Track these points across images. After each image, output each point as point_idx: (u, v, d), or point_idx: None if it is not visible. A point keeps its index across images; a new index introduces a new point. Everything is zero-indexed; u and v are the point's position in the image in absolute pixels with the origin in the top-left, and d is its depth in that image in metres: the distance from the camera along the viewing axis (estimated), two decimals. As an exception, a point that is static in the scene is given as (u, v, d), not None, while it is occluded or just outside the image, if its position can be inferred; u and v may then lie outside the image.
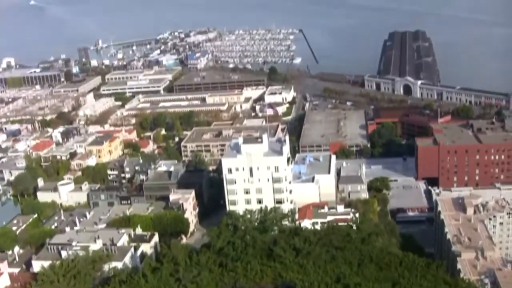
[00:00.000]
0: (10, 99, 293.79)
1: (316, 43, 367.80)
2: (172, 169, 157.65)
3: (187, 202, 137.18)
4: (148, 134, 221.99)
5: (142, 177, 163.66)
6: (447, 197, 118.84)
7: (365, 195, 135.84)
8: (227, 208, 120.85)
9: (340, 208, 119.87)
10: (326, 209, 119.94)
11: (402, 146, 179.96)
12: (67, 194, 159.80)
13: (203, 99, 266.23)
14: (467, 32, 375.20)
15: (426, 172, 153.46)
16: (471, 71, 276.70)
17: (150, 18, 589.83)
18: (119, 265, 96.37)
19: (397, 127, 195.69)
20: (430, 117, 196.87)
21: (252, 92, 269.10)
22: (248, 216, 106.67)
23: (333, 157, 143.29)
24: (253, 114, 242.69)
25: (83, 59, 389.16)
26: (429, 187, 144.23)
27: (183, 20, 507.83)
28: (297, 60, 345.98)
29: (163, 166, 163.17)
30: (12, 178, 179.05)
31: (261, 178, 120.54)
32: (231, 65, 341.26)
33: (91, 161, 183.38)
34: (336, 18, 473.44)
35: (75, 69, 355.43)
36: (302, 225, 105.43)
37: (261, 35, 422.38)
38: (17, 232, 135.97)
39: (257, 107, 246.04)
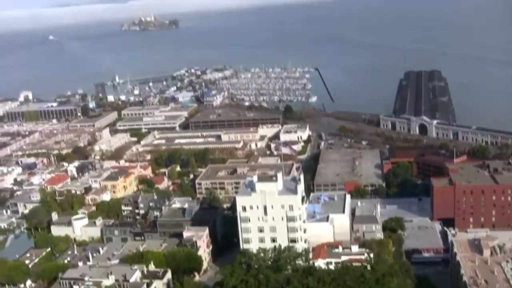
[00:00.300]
0: (26, 133, 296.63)
1: (331, 82, 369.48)
2: (186, 206, 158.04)
3: (201, 239, 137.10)
4: (163, 170, 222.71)
5: (156, 213, 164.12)
6: (463, 238, 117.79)
7: (379, 235, 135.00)
8: (241, 246, 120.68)
9: (355, 248, 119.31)
10: (340, 249, 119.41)
11: (417, 186, 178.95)
12: (81, 228, 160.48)
13: (219, 137, 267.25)
14: (482, 71, 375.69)
15: (441, 213, 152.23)
16: (487, 110, 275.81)
17: (167, 55, 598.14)
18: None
19: (413, 167, 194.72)
20: (446, 157, 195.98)
21: (267, 130, 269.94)
22: (262, 254, 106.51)
23: (348, 196, 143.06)
24: (268, 152, 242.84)
25: (100, 95, 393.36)
26: (445, 228, 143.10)
27: (200, 58, 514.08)
28: (313, 99, 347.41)
29: (177, 203, 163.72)
30: (26, 211, 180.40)
31: (275, 217, 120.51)
32: (246, 103, 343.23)
33: (106, 196, 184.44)
34: (352, 57, 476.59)
35: (91, 104, 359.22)
36: (316, 264, 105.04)
37: (277, 74, 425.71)
38: (30, 266, 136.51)
39: (272, 145, 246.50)
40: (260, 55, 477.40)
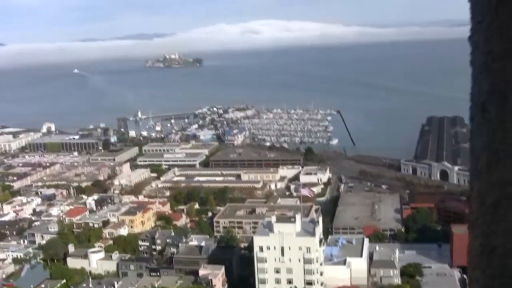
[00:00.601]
0: (48, 164, 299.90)
1: (353, 125, 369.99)
2: (203, 244, 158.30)
3: (217, 278, 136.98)
4: (181, 207, 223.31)
5: (173, 250, 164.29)
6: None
7: (397, 280, 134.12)
8: (257, 287, 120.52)
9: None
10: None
11: (437, 232, 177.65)
12: (97, 262, 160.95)
13: (238, 176, 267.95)
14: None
15: (461, 260, 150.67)
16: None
17: (190, 93, 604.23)
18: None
19: (433, 213, 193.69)
20: (467, 203, 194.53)
21: (287, 171, 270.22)
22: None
23: (366, 240, 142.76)
24: (287, 193, 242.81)
25: (122, 129, 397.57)
26: (464, 276, 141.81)
27: (223, 96, 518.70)
28: (334, 141, 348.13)
29: (194, 241, 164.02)
30: (43, 242, 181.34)
31: (292, 258, 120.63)
32: (267, 143, 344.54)
33: (123, 231, 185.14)
34: (375, 100, 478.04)
35: (113, 139, 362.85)
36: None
37: (299, 115, 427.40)
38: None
39: (292, 187, 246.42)
40: (283, 96, 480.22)
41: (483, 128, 2.88)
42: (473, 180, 3.06)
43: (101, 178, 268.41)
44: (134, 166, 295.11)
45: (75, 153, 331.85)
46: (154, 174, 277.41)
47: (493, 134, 2.84)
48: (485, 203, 2.87)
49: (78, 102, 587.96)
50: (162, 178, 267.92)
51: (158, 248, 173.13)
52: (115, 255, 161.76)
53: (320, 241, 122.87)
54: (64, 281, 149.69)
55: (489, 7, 2.84)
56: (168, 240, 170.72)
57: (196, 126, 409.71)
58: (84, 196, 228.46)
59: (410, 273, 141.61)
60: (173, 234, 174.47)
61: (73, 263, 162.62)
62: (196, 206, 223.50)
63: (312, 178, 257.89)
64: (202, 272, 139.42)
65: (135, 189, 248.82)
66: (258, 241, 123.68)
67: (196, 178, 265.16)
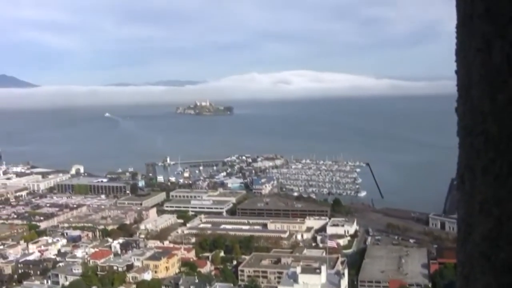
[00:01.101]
0: (75, 205, 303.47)
1: (382, 178, 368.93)
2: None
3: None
4: (206, 254, 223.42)
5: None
6: None
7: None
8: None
9: None
10: None
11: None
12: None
13: (265, 225, 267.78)
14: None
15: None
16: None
17: (219, 140, 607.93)
18: None
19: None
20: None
21: (314, 222, 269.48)
22: None
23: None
24: (313, 244, 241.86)
25: (150, 174, 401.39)
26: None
27: (252, 145, 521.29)
28: (362, 194, 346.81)
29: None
30: (66, 283, 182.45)
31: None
32: (295, 194, 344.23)
33: (147, 276, 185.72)
34: (404, 153, 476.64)
35: (141, 183, 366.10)
36: None
37: (327, 166, 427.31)
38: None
39: (318, 238, 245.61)
40: (312, 147, 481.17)
41: (461, 200, 2.97)
42: (457, 249, 3.17)
43: (127, 222, 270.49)
44: (160, 211, 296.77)
45: (103, 196, 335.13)
46: (181, 220, 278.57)
47: (469, 207, 2.95)
48: (462, 271, 2.99)
49: (108, 145, 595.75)
50: (188, 225, 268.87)
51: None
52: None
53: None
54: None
55: (465, 86, 3.03)
56: (192, 287, 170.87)
57: (224, 173, 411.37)
58: (110, 239, 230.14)
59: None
60: (197, 281, 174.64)
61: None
62: (221, 253, 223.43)
63: (339, 230, 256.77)
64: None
65: (161, 234, 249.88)
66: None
67: (223, 226, 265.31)
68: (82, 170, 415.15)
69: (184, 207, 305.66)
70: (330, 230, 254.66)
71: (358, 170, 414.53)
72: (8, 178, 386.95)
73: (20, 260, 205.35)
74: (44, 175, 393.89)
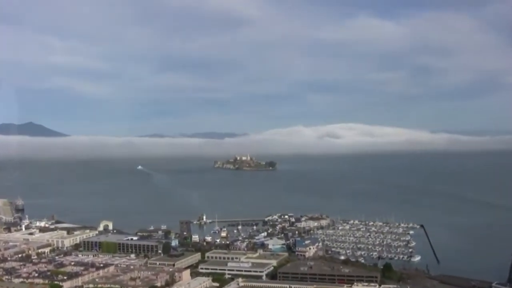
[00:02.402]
0: (101, 264, 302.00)
1: (438, 241, 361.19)
2: None
3: None
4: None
5: None
6: None
7: None
8: None
9: None
10: None
11: None
12: None
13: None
14: None
15: None
16: None
17: (260, 198, 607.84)
18: None
19: None
20: None
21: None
22: None
23: None
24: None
25: (184, 233, 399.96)
26: None
27: (295, 204, 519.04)
28: (416, 258, 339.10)
29: None
30: None
31: None
32: (342, 257, 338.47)
33: None
34: (463, 215, 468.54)
35: (174, 242, 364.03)
36: None
37: (378, 227, 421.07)
38: None
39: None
40: (361, 206, 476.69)
41: None
42: None
43: (158, 284, 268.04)
44: (195, 273, 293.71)
45: (132, 255, 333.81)
46: (216, 284, 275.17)
47: None
48: None
49: (139, 201, 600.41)
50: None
51: None
52: None
53: None
54: None
55: None
56: None
57: (265, 234, 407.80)
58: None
59: None
60: None
61: None
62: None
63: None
64: None
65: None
66: None
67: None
68: (110, 227, 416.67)
69: (220, 269, 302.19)
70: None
71: (411, 232, 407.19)
72: (31, 233, 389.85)
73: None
74: (70, 230, 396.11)
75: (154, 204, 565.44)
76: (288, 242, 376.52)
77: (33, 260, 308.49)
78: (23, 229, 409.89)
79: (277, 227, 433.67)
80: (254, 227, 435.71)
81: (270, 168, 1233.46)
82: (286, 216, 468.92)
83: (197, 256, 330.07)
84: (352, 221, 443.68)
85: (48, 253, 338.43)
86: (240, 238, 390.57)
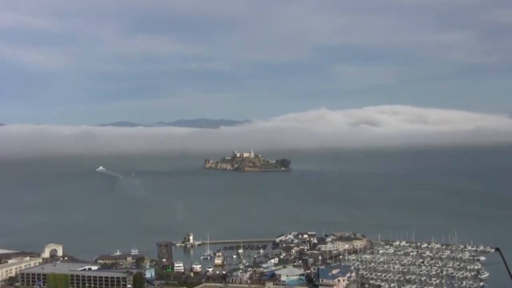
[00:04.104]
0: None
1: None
2: None
3: None
4: None
5: None
6: None
7: None
8: None
9: None
10: None
11: None
12: None
13: None
14: None
15: None
16: None
17: (269, 210, 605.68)
18: None
19: None
20: None
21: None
22: None
23: None
24: None
25: (164, 260, 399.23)
26: None
27: (317, 219, 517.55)
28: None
29: None
30: None
31: None
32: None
33: None
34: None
35: (149, 273, 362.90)
36: None
37: (434, 251, 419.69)
38: None
39: None
40: (410, 221, 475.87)
41: None
42: None
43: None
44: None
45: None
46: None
47: None
48: None
49: (100, 216, 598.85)
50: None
51: None
52: None
53: None
54: None
55: None
56: None
57: (275, 260, 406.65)
58: None
59: None
60: None
61: None
62: None
63: None
64: None
65: None
66: None
67: None
68: (60, 253, 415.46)
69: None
70: None
71: (482, 258, 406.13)
72: None
73: None
74: (3, 258, 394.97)
75: (122, 220, 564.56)
76: (308, 271, 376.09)
77: None
78: None
79: (293, 251, 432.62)
80: (261, 251, 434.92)
81: (282, 168, 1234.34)
82: (305, 236, 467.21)
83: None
84: (398, 242, 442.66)
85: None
86: (242, 267, 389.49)
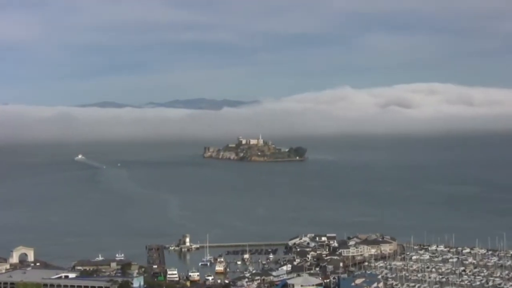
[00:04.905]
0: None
1: None
2: None
3: None
4: None
5: None
6: None
7: None
8: None
9: None
10: None
11: None
12: None
13: None
14: None
15: None
16: None
17: (280, 208, 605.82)
18: None
19: None
20: None
21: None
22: None
23: None
24: None
25: (155, 266, 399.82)
26: None
27: (337, 217, 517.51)
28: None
29: None
30: None
31: None
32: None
33: None
34: None
35: (137, 282, 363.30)
36: None
37: (478, 258, 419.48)
38: None
39: None
40: (447, 222, 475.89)
41: None
42: None
43: None
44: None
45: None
46: None
47: None
48: None
49: (79, 214, 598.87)
50: None
51: None
52: None
53: None
54: None
55: None
56: None
57: (288, 267, 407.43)
58: None
59: None
60: None
61: None
62: None
63: None
64: None
65: None
66: None
67: None
68: (31, 258, 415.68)
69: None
70: None
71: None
72: None
73: None
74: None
75: (105, 219, 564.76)
76: (327, 281, 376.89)
77: None
78: None
79: (309, 256, 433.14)
80: (271, 256, 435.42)
81: (297, 158, 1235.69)
82: (324, 238, 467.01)
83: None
84: (434, 247, 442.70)
85: None
86: (248, 275, 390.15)
